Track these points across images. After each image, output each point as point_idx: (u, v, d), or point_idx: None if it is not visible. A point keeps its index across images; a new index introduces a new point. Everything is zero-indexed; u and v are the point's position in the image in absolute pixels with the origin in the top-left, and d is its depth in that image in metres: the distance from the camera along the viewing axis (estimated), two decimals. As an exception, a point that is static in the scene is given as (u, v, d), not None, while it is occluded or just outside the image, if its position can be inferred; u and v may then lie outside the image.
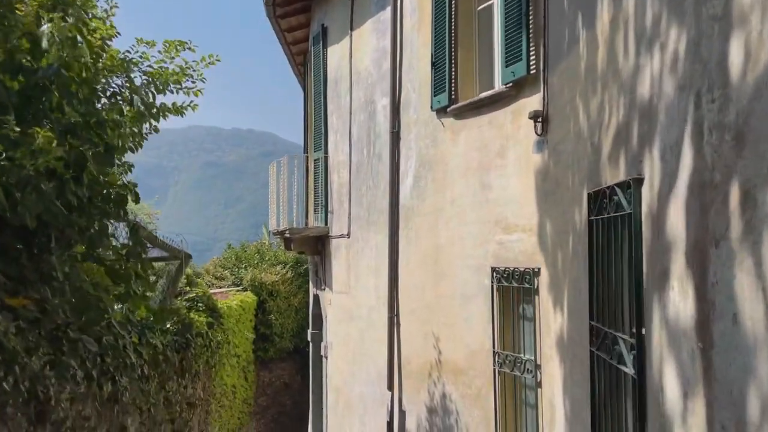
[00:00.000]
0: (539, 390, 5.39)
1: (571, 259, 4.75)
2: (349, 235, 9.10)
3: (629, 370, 3.33)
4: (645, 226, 3.13)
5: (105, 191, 3.00)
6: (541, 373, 5.37)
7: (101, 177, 3.03)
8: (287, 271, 20.21)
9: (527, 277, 5.55)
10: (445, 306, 6.83)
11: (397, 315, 7.78)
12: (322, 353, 10.64)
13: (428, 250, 7.14)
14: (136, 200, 3.52)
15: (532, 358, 5.49)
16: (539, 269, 5.39)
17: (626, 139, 3.45)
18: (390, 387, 7.76)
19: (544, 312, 5.32)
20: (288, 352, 19.87)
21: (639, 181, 3.19)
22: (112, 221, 3.18)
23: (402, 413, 7.65)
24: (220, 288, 20.01)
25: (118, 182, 3.47)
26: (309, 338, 11.99)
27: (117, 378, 2.69)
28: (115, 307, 3.10)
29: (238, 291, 19.55)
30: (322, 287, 10.63)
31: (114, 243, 3.15)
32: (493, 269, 6.01)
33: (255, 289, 19.92)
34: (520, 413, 5.87)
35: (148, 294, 3.03)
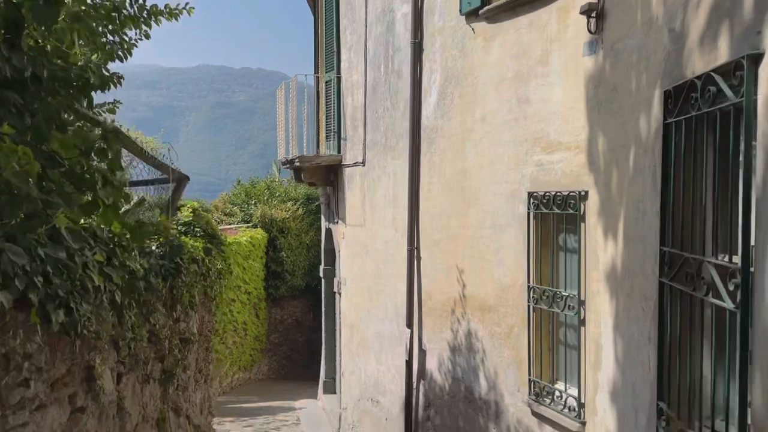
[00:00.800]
0: (582, 329, 4.76)
1: (632, 177, 4.02)
2: (364, 162, 8.39)
3: (726, 303, 2.65)
4: (763, 116, 2.39)
5: (59, 70, 2.29)
6: (585, 310, 4.73)
7: (52, 50, 2.31)
8: (298, 208, 19.62)
9: (571, 202, 4.84)
10: (472, 237, 6.16)
11: (418, 248, 7.14)
12: (335, 289, 10.11)
13: (454, 176, 6.42)
14: (102, 86, 2.81)
15: (575, 293, 4.84)
16: (586, 192, 4.67)
17: (732, 10, 2.66)
18: (409, 324, 7.20)
19: (591, 241, 4.63)
20: (300, 289, 19.49)
21: (756, 58, 2.42)
22: (72, 113, 2.47)
23: (422, 352, 7.11)
24: (230, 225, 19.51)
25: (79, 63, 2.75)
26: (321, 274, 11.46)
27: (74, 305, 2.06)
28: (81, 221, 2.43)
29: (247, 227, 19.04)
30: (335, 220, 10.00)
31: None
32: (530, 194, 5.30)
33: (265, 226, 19.40)
34: (558, 354, 5.27)
35: (123, 205, 2.36)
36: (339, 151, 9.11)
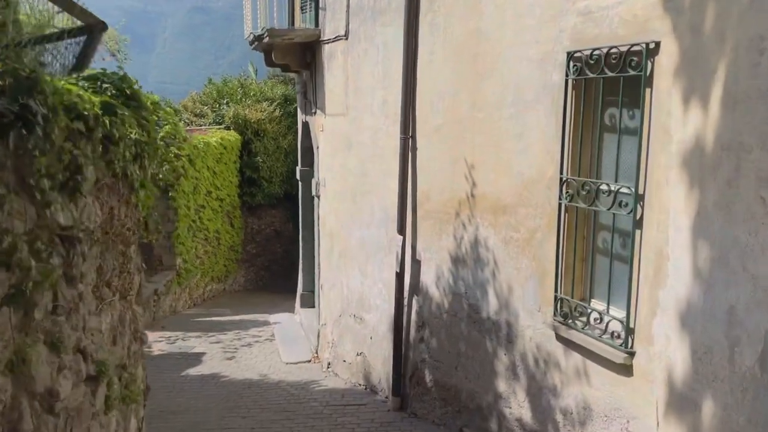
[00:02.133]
0: (638, 233, 3.54)
1: (749, 4, 2.68)
2: (347, 35, 6.88)
3: None
4: None
5: None
6: (642, 208, 3.50)
7: None
8: (275, 109, 18.03)
9: (632, 59, 3.51)
10: (485, 120, 4.83)
11: (413, 136, 5.81)
12: (314, 192, 8.83)
13: (464, 40, 5.00)
14: None
15: (629, 186, 3.59)
16: (657, 44, 3.33)
17: None
18: (401, 230, 5.97)
19: (660, 112, 3.34)
20: (278, 198, 18.21)
21: None
22: None
23: (416, 263, 5.93)
24: (200, 126, 17.90)
25: None
26: (298, 176, 10.13)
27: None
28: None
29: (219, 129, 17.47)
30: (312, 111, 8.58)
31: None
32: (571, 55, 3.95)
33: (239, 128, 17.84)
34: (596, 266, 4.08)
35: None
36: (317, 24, 7.56)
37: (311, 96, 8.61)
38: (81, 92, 2.42)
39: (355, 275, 7.49)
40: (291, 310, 12.11)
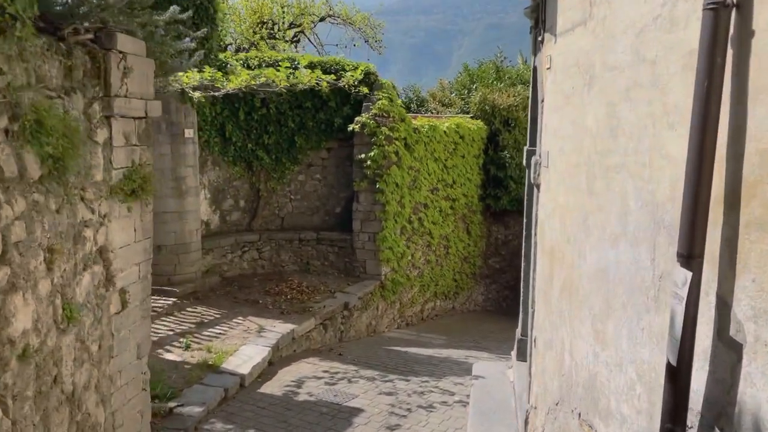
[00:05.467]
0: None
1: None
2: None
3: None
4: None
5: None
6: None
7: None
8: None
9: None
10: None
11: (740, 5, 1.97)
12: (532, 179, 5.28)
13: None
14: None
15: None
16: None
17: None
18: (689, 256, 2.18)
19: None
20: (526, 202, 14.50)
21: None
22: None
23: (728, 347, 2.06)
24: (437, 114, 15.23)
25: None
26: (524, 161, 6.62)
27: None
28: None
29: (461, 117, 14.56)
30: (540, 40, 5.04)
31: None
32: None
33: (485, 116, 14.69)
34: None
35: None
36: None
37: (541, 14, 5.08)
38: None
39: (585, 336, 3.78)
40: (510, 352, 8.55)
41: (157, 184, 9.39)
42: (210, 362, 7.09)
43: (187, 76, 7.30)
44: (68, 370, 3.27)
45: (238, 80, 7.88)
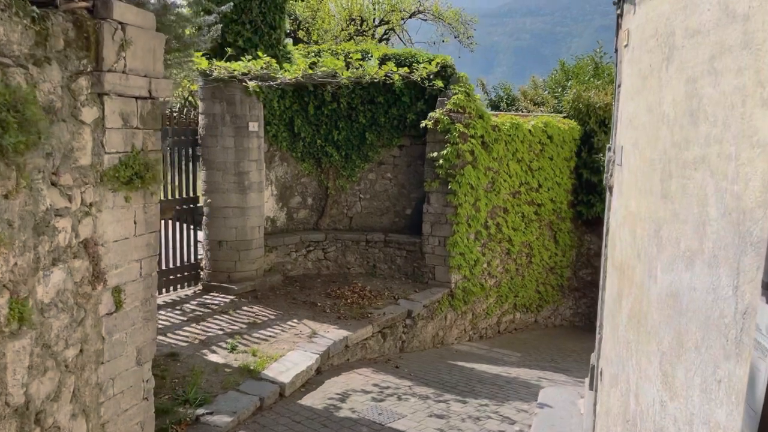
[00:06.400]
0: None
1: None
2: None
3: None
4: None
5: None
6: None
7: None
8: (629, 88, 13.13)
9: None
10: None
11: None
12: (605, 181, 4.44)
13: None
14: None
15: None
16: None
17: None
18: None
19: None
20: (620, 210, 13.22)
21: None
22: None
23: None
24: (526, 112, 14.25)
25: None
26: (606, 158, 5.71)
27: None
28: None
29: (552, 116, 13.54)
30: (619, 9, 4.20)
31: None
32: None
33: (579, 115, 13.60)
34: None
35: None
36: None
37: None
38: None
39: (652, 378, 2.95)
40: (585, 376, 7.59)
41: (219, 178, 9.22)
42: (251, 367, 6.67)
43: (237, 64, 6.94)
44: (18, 380, 2.86)
45: (293, 68, 7.44)
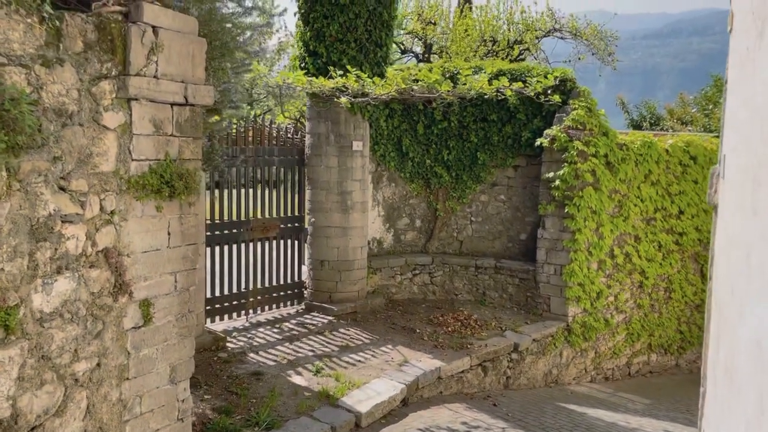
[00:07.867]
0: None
1: None
2: None
3: None
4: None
5: None
6: None
7: None
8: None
9: None
10: None
11: None
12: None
13: None
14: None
15: None
16: None
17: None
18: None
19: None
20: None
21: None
22: None
23: None
24: (669, 132, 12.85)
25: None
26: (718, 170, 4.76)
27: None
28: None
29: (701, 136, 12.13)
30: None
31: None
32: None
33: (731, 134, 11.96)
34: None
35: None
36: None
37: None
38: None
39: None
40: None
41: (322, 197, 9.14)
42: (331, 392, 6.37)
43: (330, 81, 6.79)
44: (3, 392, 2.74)
45: (385, 83, 7.15)
